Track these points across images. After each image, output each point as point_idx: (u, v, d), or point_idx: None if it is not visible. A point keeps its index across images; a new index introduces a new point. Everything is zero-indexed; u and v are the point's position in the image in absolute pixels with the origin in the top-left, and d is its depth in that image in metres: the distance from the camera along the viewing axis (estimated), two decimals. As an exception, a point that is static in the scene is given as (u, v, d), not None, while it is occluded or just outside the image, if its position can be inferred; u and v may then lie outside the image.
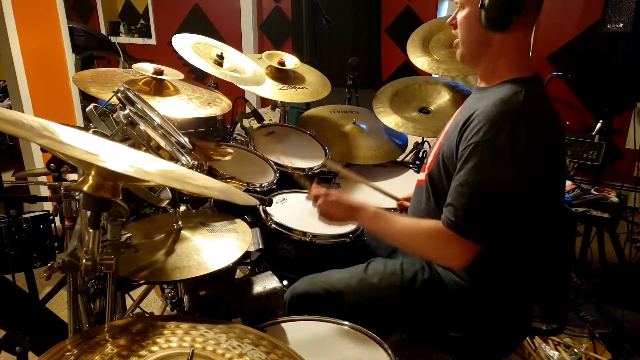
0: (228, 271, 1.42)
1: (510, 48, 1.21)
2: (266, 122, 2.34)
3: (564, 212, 1.40)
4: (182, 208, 1.56)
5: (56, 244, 1.76)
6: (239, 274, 1.76)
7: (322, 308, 1.31)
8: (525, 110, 1.13)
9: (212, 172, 1.74)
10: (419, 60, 2.28)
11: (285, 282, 1.40)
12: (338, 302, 1.36)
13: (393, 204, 1.73)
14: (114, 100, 1.19)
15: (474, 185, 1.14)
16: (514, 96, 1.15)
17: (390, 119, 2.20)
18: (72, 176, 1.29)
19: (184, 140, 1.24)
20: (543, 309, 1.59)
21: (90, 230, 0.82)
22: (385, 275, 1.38)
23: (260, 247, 1.53)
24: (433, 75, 2.38)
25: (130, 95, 1.18)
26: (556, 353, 2.02)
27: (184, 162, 1.11)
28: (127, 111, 1.09)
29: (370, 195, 1.78)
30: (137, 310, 1.97)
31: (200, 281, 1.28)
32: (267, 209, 1.65)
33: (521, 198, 1.14)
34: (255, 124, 2.28)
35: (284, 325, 1.25)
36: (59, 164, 1.26)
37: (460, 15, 1.25)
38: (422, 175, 1.41)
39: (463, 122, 1.21)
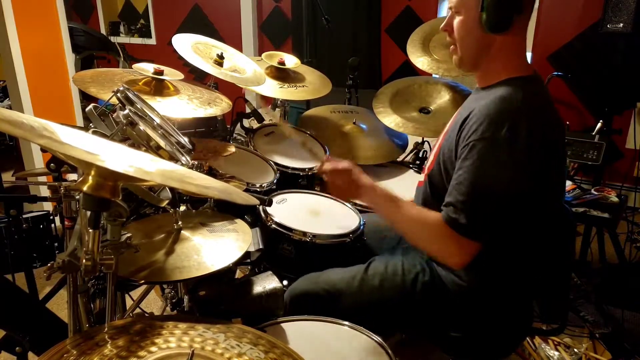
0: (228, 271, 1.42)
1: (509, 48, 1.21)
2: (266, 122, 2.34)
3: (564, 212, 1.40)
4: (182, 208, 1.56)
5: (56, 244, 1.75)
6: (239, 274, 1.76)
7: (321, 308, 1.31)
8: (524, 108, 1.13)
9: (212, 172, 1.74)
10: (419, 60, 2.28)
11: (285, 282, 1.40)
12: (338, 302, 1.36)
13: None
14: (114, 100, 1.19)
15: (474, 184, 1.14)
16: (513, 95, 1.15)
17: (390, 119, 2.20)
18: (72, 176, 1.29)
19: (184, 140, 1.24)
20: (543, 309, 1.59)
21: (90, 230, 0.82)
22: (387, 276, 1.38)
23: (260, 247, 1.53)
24: (433, 75, 2.38)
25: (130, 95, 1.18)
26: (556, 353, 2.02)
27: (184, 162, 1.11)
28: (126, 111, 1.09)
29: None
30: (137, 310, 1.97)
31: (200, 281, 1.28)
32: (267, 209, 1.65)
33: (520, 196, 1.14)
34: (255, 124, 2.28)
35: (283, 325, 1.25)
36: (59, 164, 1.26)
37: (457, 21, 1.24)
38: (423, 176, 1.41)
39: (462, 122, 1.21)
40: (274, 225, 1.60)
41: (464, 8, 1.21)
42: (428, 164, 1.38)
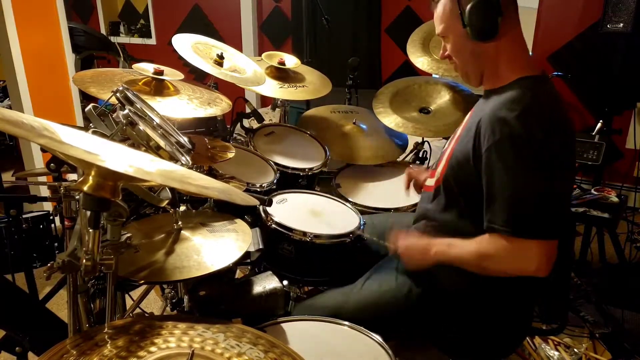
0: (228, 271, 1.42)
1: (507, 50, 1.22)
2: (266, 122, 2.34)
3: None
4: (182, 208, 1.56)
5: (56, 244, 1.76)
6: (239, 274, 1.76)
7: None
8: (535, 108, 1.13)
9: (212, 172, 1.74)
10: (419, 60, 2.28)
11: (285, 282, 1.40)
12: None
13: (392, 203, 1.72)
14: (114, 100, 1.19)
15: (510, 185, 1.12)
16: (523, 95, 1.15)
17: (390, 119, 2.20)
18: (72, 176, 1.29)
19: (184, 140, 1.24)
20: (543, 309, 1.59)
21: (90, 230, 0.83)
22: (381, 294, 1.38)
23: (260, 247, 1.53)
24: (433, 75, 2.38)
25: (130, 95, 1.18)
26: (556, 353, 2.02)
27: (183, 162, 1.11)
28: (126, 111, 1.09)
29: (370, 195, 1.78)
30: (137, 310, 1.97)
31: (200, 281, 1.28)
32: (267, 209, 1.65)
33: (554, 188, 1.14)
34: (255, 124, 2.28)
35: (283, 325, 1.25)
36: (59, 164, 1.26)
37: (449, 45, 1.28)
38: (431, 182, 1.40)
39: (475, 126, 1.21)
40: (274, 225, 1.60)
41: (449, 31, 1.26)
42: (439, 170, 1.35)
